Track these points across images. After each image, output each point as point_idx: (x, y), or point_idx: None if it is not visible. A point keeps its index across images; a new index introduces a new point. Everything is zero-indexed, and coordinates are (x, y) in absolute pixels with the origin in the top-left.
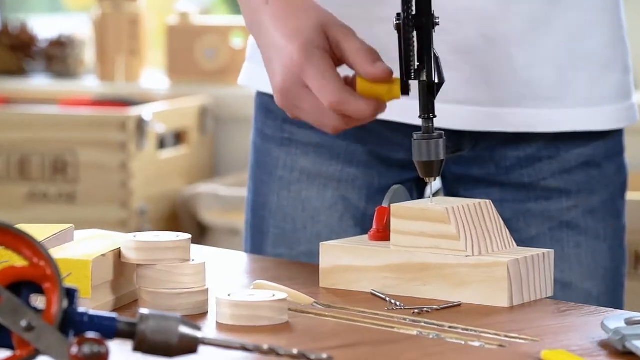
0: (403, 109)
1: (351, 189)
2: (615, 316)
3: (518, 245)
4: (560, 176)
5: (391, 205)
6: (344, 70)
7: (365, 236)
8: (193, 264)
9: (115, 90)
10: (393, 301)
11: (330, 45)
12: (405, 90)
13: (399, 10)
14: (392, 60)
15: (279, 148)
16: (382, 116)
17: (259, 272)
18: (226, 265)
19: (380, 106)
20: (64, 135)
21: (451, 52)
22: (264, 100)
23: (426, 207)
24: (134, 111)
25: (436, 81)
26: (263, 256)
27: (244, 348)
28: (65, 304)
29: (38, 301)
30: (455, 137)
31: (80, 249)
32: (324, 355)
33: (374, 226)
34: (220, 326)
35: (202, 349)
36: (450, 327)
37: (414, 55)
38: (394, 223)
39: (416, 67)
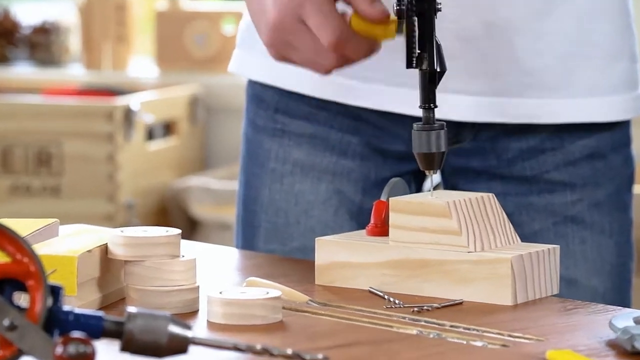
0: (401, 99)
1: (346, 182)
2: (623, 314)
3: (522, 241)
4: (565, 169)
5: (390, 199)
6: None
7: (363, 231)
8: (183, 261)
9: (101, 79)
10: (392, 299)
11: None
12: (401, 29)
13: None
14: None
15: (271, 139)
16: (379, 106)
17: (252, 268)
18: (218, 261)
19: (377, 46)
20: (48, 126)
21: (451, 39)
22: (255, 89)
23: (426, 200)
24: (121, 101)
25: (437, 70)
26: (256, 252)
27: (236, 348)
28: (49, 302)
29: (21, 299)
30: (455, 128)
31: (66, 245)
32: (320, 356)
33: (372, 221)
34: (212, 325)
35: (192, 349)
36: (451, 326)
37: (416, 42)
38: (393, 217)
39: (417, 55)
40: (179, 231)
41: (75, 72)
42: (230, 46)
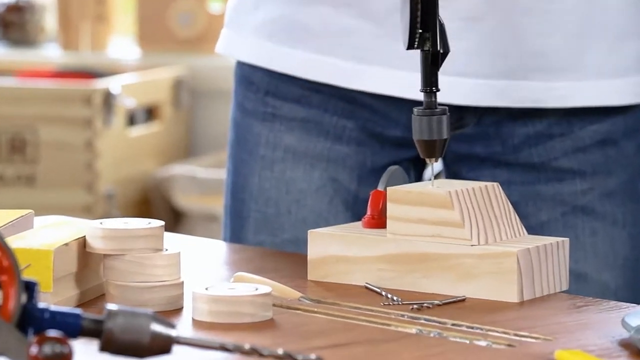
0: (399, 82)
1: (341, 169)
2: (637, 312)
3: (528, 233)
4: (574, 155)
5: (387, 188)
6: None
7: (359, 223)
8: (166, 254)
9: (79, 61)
10: (390, 296)
11: None
12: (412, 43)
13: None
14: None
15: (261, 124)
16: (375, 89)
17: (241, 263)
18: (203, 255)
19: None
20: (23, 110)
21: (453, 18)
22: (244, 71)
23: (426, 190)
24: (100, 84)
25: (440, 51)
26: (244, 245)
27: (223, 348)
28: (23, 298)
29: None
30: (457, 112)
31: (41, 238)
32: (313, 356)
33: (369, 212)
34: (197, 323)
35: (176, 348)
36: (453, 324)
37: (418, 21)
38: (391, 208)
39: (419, 35)
40: (162, 223)
41: (51, 53)
42: (217, 25)
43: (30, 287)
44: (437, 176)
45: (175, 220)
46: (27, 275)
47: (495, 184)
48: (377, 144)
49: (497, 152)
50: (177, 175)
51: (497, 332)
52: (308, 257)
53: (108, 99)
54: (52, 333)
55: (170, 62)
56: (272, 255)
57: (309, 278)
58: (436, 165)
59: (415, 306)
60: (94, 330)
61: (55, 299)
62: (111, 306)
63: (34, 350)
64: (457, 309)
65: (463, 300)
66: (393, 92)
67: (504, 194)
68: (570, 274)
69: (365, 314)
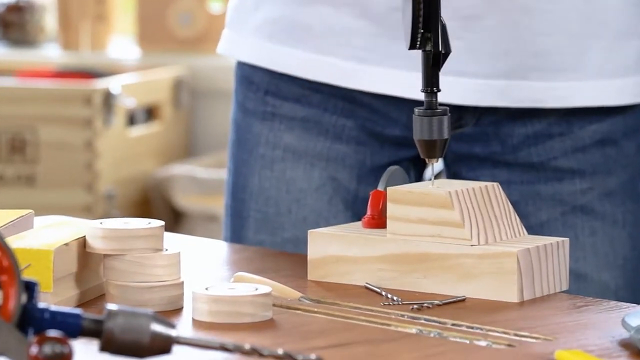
0: (399, 81)
1: (341, 169)
2: (637, 312)
3: (528, 233)
4: (574, 155)
5: (387, 188)
6: None
7: (359, 223)
8: (166, 254)
9: (79, 61)
10: (390, 296)
11: None
12: (414, 43)
13: None
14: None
15: (261, 123)
16: (375, 89)
17: (241, 263)
18: (203, 255)
19: None
20: (23, 110)
21: (452, 18)
22: (245, 71)
23: (427, 190)
24: (100, 84)
25: (442, 51)
26: (244, 245)
27: (223, 348)
28: (24, 298)
29: None
30: (456, 112)
31: (41, 238)
32: (313, 356)
33: (369, 212)
34: (197, 323)
35: (176, 348)
36: (453, 324)
37: (421, 21)
38: (391, 208)
39: (421, 35)
40: (162, 223)
41: (51, 53)
42: (217, 25)
43: (30, 287)
44: (437, 176)
45: (175, 220)
46: (27, 275)
47: (495, 184)
48: (377, 143)
49: (497, 152)
50: (177, 175)
51: (497, 332)
52: (308, 257)
53: (108, 99)
54: (52, 333)
55: (170, 62)
56: (272, 255)
57: (309, 278)
58: (437, 165)
59: (415, 306)
60: (94, 330)
61: (55, 299)
62: (111, 306)
63: (34, 350)
64: (457, 309)
65: (463, 300)
66: (393, 92)
67: (504, 194)
68: (570, 274)
69: (365, 314)
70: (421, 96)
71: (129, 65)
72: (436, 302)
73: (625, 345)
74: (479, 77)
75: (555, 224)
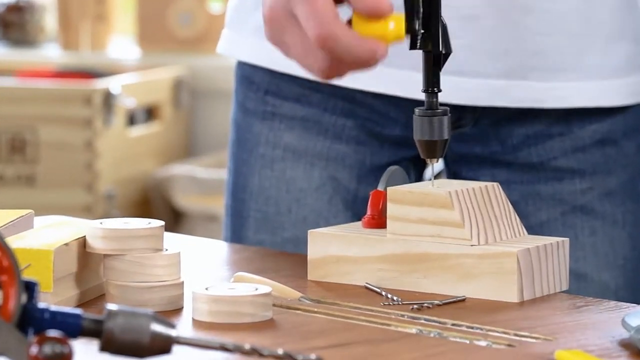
0: (399, 81)
1: (341, 168)
2: (637, 312)
3: (528, 233)
4: (573, 155)
5: (387, 188)
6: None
7: (359, 223)
8: (166, 254)
9: (79, 61)
10: (390, 296)
11: None
12: (411, 29)
13: None
14: None
15: (261, 122)
16: (375, 89)
17: (241, 263)
18: (204, 255)
19: (381, 47)
20: (23, 110)
21: (452, 17)
22: (245, 71)
23: (427, 190)
24: (100, 84)
25: (443, 52)
26: (244, 245)
27: (223, 348)
28: (24, 298)
29: None
30: (456, 112)
31: (41, 238)
32: (313, 356)
33: (369, 212)
34: (197, 323)
35: (176, 348)
36: (453, 324)
37: (420, 22)
38: (391, 208)
39: (421, 35)
40: (162, 223)
41: (51, 53)
42: (217, 25)
43: (30, 287)
44: (437, 176)
45: (175, 220)
46: (27, 275)
47: (495, 184)
48: (377, 143)
49: (497, 151)
50: (176, 175)
51: (497, 332)
52: (308, 257)
53: (108, 99)
54: (52, 333)
55: (170, 62)
56: (272, 255)
57: (309, 278)
58: (437, 165)
59: (415, 306)
60: (94, 330)
61: (55, 299)
62: (111, 306)
63: (34, 350)
64: (457, 309)
65: (463, 300)
66: (392, 91)
67: (504, 194)
68: (570, 274)
69: (365, 314)
70: (421, 96)
71: (129, 65)
72: (436, 302)
73: (625, 345)
74: (478, 77)
75: (555, 224)
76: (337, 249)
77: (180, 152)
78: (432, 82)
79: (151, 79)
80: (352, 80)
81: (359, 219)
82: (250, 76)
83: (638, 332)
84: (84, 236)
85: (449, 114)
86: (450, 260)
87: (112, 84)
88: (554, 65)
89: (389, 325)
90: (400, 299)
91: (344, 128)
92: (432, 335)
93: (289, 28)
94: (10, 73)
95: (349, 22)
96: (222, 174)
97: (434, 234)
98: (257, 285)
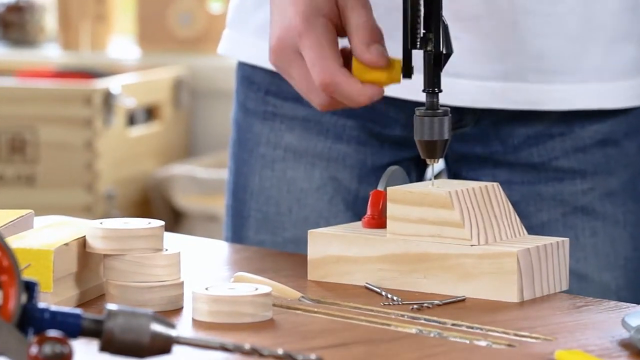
0: (402, 83)
1: (341, 169)
2: (637, 312)
3: (529, 233)
4: (574, 155)
5: (387, 188)
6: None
7: (359, 223)
8: (166, 254)
9: (79, 61)
10: (390, 296)
11: (339, 12)
12: (408, 73)
13: None
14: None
15: (262, 123)
16: None
17: (241, 263)
18: (204, 255)
19: (377, 91)
20: (23, 110)
21: (452, 19)
22: (245, 71)
23: (427, 190)
24: (100, 84)
25: (443, 52)
26: (245, 245)
27: (223, 348)
28: (24, 298)
29: None
30: (457, 112)
31: (41, 238)
32: (313, 356)
33: (369, 212)
34: (197, 323)
35: (176, 348)
36: (453, 324)
37: (421, 22)
38: (391, 208)
39: (422, 36)
40: (162, 223)
41: (51, 53)
42: (217, 25)
43: (30, 287)
44: (437, 176)
45: (175, 220)
46: (27, 275)
47: (495, 184)
48: (377, 143)
49: (498, 151)
50: (176, 175)
51: (497, 332)
52: (308, 257)
53: (108, 99)
54: (52, 333)
55: (170, 62)
56: (272, 255)
57: (309, 278)
58: (437, 165)
59: (415, 306)
60: (94, 330)
61: (55, 299)
62: (111, 306)
63: (34, 350)
64: (457, 309)
65: (463, 300)
66: (392, 92)
67: (504, 194)
68: (571, 274)
69: (365, 314)
70: (422, 97)
71: (129, 65)
72: (436, 302)
73: (625, 345)
74: (477, 79)
75: (556, 225)
76: (337, 249)
77: (180, 152)
78: (432, 83)
79: (151, 79)
80: None
81: (360, 219)
82: (251, 76)
83: (638, 332)
84: (84, 236)
85: (450, 114)
86: (450, 260)
87: (112, 84)
88: (553, 68)
89: (389, 325)
90: (400, 299)
91: (345, 128)
92: (432, 335)
93: (295, 63)
94: (10, 73)
95: (348, 58)
96: (222, 174)
97: (434, 234)
98: (257, 285)
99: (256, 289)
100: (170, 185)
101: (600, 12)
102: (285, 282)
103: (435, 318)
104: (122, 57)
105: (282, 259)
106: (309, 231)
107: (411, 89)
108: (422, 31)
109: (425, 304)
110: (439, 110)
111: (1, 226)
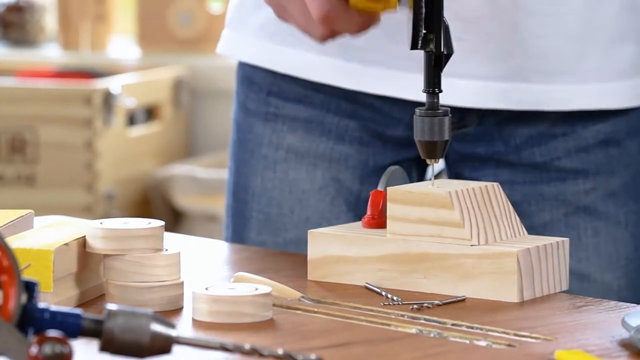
0: (402, 83)
1: (344, 169)
2: (637, 312)
3: (529, 233)
4: (577, 155)
5: (387, 188)
6: None
7: (359, 223)
8: (166, 254)
9: (79, 61)
10: (390, 296)
11: None
12: (404, 1)
13: None
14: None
15: (263, 123)
16: (377, 90)
17: (241, 263)
18: (204, 255)
19: (374, 20)
20: (23, 110)
21: (454, 19)
22: (246, 71)
23: (427, 190)
24: (100, 84)
25: (444, 52)
26: (245, 245)
27: (223, 348)
28: (24, 298)
29: None
30: (459, 112)
31: (41, 238)
32: (313, 356)
33: (368, 212)
34: (197, 323)
35: (176, 348)
36: (453, 324)
37: (422, 21)
38: (391, 208)
39: (423, 36)
40: (162, 223)
41: (51, 53)
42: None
43: (30, 287)
44: (437, 176)
45: (175, 220)
46: (27, 275)
47: (495, 184)
48: (380, 143)
49: (500, 151)
50: (176, 175)
51: (497, 332)
52: (308, 257)
53: (108, 99)
54: (52, 333)
55: (170, 62)
56: (272, 256)
57: (309, 278)
58: (438, 165)
59: (415, 306)
60: (94, 330)
61: (55, 299)
62: (111, 306)
63: (34, 350)
64: (457, 309)
65: (463, 300)
66: (394, 93)
67: (504, 194)
68: (573, 274)
69: (365, 314)
70: (423, 97)
71: (129, 65)
72: (436, 302)
73: (625, 345)
74: (479, 79)
75: (558, 225)
76: (337, 249)
77: (180, 152)
78: (433, 83)
79: (151, 79)
80: (354, 82)
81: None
82: (252, 77)
83: (638, 332)
84: (84, 236)
85: (450, 115)
86: (450, 260)
87: (112, 84)
88: (554, 68)
89: (389, 325)
90: (400, 299)
91: (347, 129)
92: (432, 335)
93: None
94: (10, 73)
95: None
96: (222, 174)
97: (434, 234)
98: (257, 285)
99: (256, 289)
100: (170, 185)
101: (600, 13)
102: (285, 282)
103: (435, 318)
104: (122, 57)
105: (282, 259)
106: (309, 231)
107: (414, 89)
108: (423, 31)
109: (425, 304)
110: (439, 111)
111: (1, 226)
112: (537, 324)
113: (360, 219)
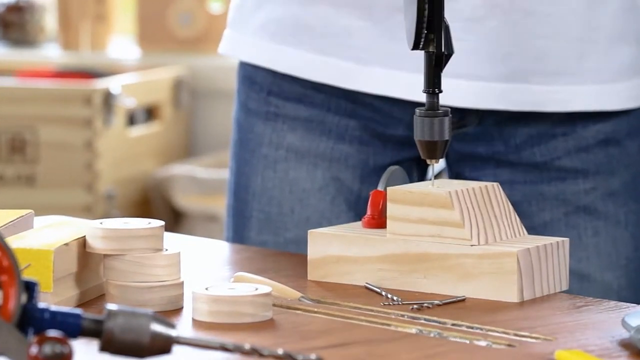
0: (401, 83)
1: (344, 169)
2: (637, 312)
3: (529, 233)
4: (577, 155)
5: (387, 188)
6: None
7: (359, 223)
8: (166, 254)
9: (79, 61)
10: (390, 296)
11: None
12: None
13: None
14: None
15: (264, 123)
16: (377, 90)
17: (241, 263)
18: (204, 255)
19: None
20: (23, 110)
21: (454, 19)
22: (247, 71)
23: (427, 190)
24: (100, 84)
25: (445, 53)
26: (246, 245)
27: (223, 348)
28: (24, 298)
29: None
30: (459, 112)
31: (41, 238)
32: (313, 356)
33: (368, 212)
34: (197, 323)
35: (176, 348)
36: (453, 324)
37: (425, 22)
38: (391, 208)
39: (424, 36)
40: (162, 223)
41: (51, 53)
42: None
43: (30, 287)
44: (438, 175)
45: (175, 220)
46: (27, 275)
47: (495, 184)
48: (380, 143)
49: (500, 151)
50: (176, 175)
51: (497, 332)
52: (308, 257)
53: (108, 99)
54: (52, 333)
55: (170, 62)
56: (273, 256)
57: (309, 278)
58: (438, 165)
59: (415, 306)
60: (94, 330)
61: (55, 299)
62: (111, 306)
63: (34, 350)
64: (457, 309)
65: (463, 300)
66: (394, 93)
67: (504, 194)
68: (573, 274)
69: (365, 314)
70: (423, 97)
71: (129, 65)
72: (436, 302)
73: (625, 345)
74: (479, 80)
75: (559, 224)
76: (337, 249)
77: (180, 152)
78: (433, 83)
79: (151, 79)
80: (354, 82)
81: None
82: (253, 76)
83: (638, 332)
84: (84, 236)
85: (450, 115)
86: (450, 260)
87: (112, 84)
88: (554, 69)
89: (389, 325)
90: (400, 299)
91: (347, 128)
92: (432, 335)
93: None
94: (10, 73)
95: None
96: (223, 174)
97: (434, 234)
98: (257, 285)
99: (256, 289)
100: (170, 185)
101: (600, 13)
102: (285, 282)
103: (435, 318)
104: (122, 57)
105: (282, 259)
106: (309, 231)
107: (414, 89)
108: (424, 32)
109: (425, 304)
110: (439, 111)
111: (1, 226)
112: (537, 324)
113: (360, 219)
